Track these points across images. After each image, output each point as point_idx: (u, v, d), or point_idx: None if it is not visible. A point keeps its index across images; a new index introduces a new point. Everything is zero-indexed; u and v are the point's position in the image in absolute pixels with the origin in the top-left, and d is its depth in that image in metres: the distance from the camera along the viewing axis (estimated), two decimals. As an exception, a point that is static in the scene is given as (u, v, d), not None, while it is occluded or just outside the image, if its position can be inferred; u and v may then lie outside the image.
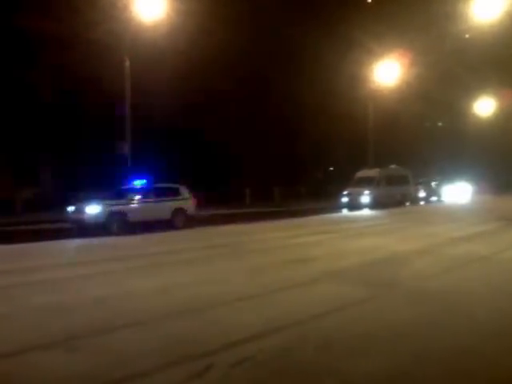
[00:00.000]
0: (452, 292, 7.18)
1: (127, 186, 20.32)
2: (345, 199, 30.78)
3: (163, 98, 29.30)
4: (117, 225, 17.47)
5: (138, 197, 18.72)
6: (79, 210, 17.85)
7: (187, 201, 19.92)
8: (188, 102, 31.31)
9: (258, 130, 36.53)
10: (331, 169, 44.98)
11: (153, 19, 22.05)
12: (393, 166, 33.76)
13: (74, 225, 18.04)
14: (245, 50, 33.14)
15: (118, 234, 16.79)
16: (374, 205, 29.54)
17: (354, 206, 29.63)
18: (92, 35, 26.16)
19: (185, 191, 20.22)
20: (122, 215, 17.78)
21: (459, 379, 4.18)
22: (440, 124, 53.05)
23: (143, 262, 10.52)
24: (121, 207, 18.04)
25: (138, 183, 19.71)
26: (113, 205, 18.00)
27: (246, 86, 34.70)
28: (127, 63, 23.45)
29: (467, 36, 38.50)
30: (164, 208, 19.03)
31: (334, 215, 26.05)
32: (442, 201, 37.95)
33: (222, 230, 18.51)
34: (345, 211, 28.70)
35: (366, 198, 30.38)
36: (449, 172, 42.13)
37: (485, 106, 47.61)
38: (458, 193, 39.54)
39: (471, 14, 31.05)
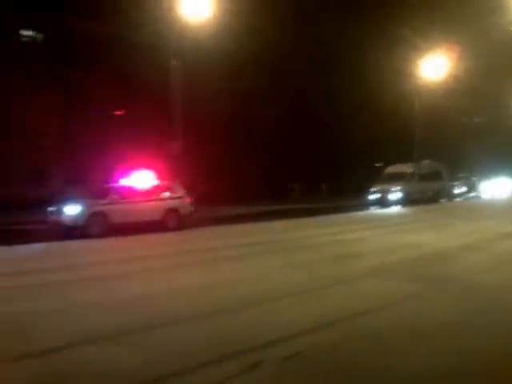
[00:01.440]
0: (503, 288, 7.04)
1: (109, 184, 18.70)
2: (374, 196, 29.70)
3: (211, 97, 29.72)
4: (97, 227, 16.14)
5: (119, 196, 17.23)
6: (59, 211, 16.69)
7: (181, 200, 18.49)
8: (235, 101, 31.72)
9: (304, 127, 36.63)
10: (378, 165, 44.60)
11: (199, 19, 22.39)
12: (426, 161, 32.68)
13: (53, 226, 16.86)
14: (289, 49, 33.24)
15: (98, 237, 15.10)
16: (405, 201, 28.40)
17: (383, 202, 28.62)
18: (138, 36, 26.86)
19: (178, 189, 18.82)
20: (102, 216, 16.43)
21: (507, 381, 4.10)
22: (484, 119, 51.65)
23: (191, 259, 10.51)
24: (102, 207, 16.64)
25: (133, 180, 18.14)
26: (93, 205, 16.76)
27: (291, 85, 34.83)
28: (175, 63, 23.86)
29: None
30: (153, 208, 17.65)
31: (375, 212, 25.83)
32: (481, 196, 36.98)
33: (267, 227, 18.22)
34: (383, 208, 27.81)
35: (396, 194, 29.28)
36: (492, 167, 40.97)
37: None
38: (498, 188, 38.40)
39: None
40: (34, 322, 5.77)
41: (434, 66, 34.61)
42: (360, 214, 24.22)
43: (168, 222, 17.76)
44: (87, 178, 20.84)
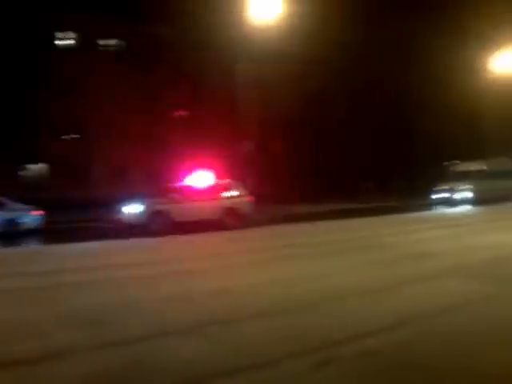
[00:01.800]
0: None
1: (171, 183, 19.33)
2: (440, 195, 28.70)
3: (279, 98, 29.95)
4: (158, 225, 16.83)
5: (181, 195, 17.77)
6: (122, 210, 17.55)
7: (240, 199, 18.75)
8: (303, 101, 31.82)
9: (375, 125, 36.29)
10: (446, 163, 43.45)
11: (267, 21, 22.61)
12: (499, 159, 30.90)
13: (117, 225, 17.68)
14: (359, 48, 33.01)
15: (158, 235, 15.55)
16: (475, 201, 27.24)
17: (451, 202, 27.60)
18: (207, 39, 27.41)
19: (239, 188, 19.08)
20: (163, 215, 17.10)
21: None
22: None
23: (264, 256, 10.63)
24: (163, 206, 17.33)
25: (194, 180, 18.67)
26: (155, 204, 17.43)
27: (358, 85, 34.57)
28: (241, 65, 24.22)
29: None
30: (213, 207, 18.01)
31: (446, 211, 25.16)
32: None
33: (339, 225, 17.99)
34: (451, 207, 26.80)
35: (465, 193, 28.09)
36: None
37: None
38: None
39: None
40: (115, 314, 6.04)
41: (508, 60, 33.31)
42: (431, 212, 23.75)
43: (227, 220, 18.09)
44: (162, 178, 21.51)
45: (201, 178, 18.83)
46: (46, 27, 31.14)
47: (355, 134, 35.44)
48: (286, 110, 31.37)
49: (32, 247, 16.48)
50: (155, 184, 21.81)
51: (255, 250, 11.85)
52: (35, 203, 19.81)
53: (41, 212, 19.36)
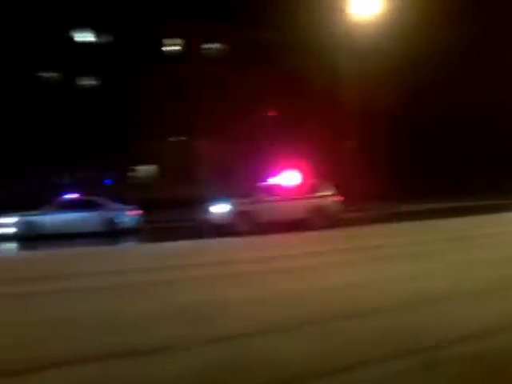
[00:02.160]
0: None
1: (260, 184, 19.09)
2: None
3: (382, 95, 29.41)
4: (243, 225, 16.83)
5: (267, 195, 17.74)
6: (209, 210, 17.61)
7: (328, 198, 18.30)
8: (406, 98, 31.02)
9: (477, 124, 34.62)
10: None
11: (368, 18, 22.26)
12: None
13: (203, 224, 17.78)
14: (460, 44, 31.60)
15: (244, 235, 15.61)
16: None
17: None
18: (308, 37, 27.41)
19: (327, 188, 18.62)
20: (248, 215, 17.08)
21: None
22: None
23: (363, 255, 10.42)
24: (248, 207, 17.35)
25: (281, 179, 18.52)
26: (240, 204, 17.47)
27: (459, 83, 33.11)
28: (342, 63, 23.99)
29: None
30: (299, 207, 17.74)
31: None
32: None
33: (441, 224, 16.95)
34: None
35: None
36: None
37: None
38: None
39: None
40: (217, 311, 6.18)
41: None
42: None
43: (314, 220, 17.71)
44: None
45: (288, 178, 18.68)
46: (150, 33, 32.53)
47: (457, 131, 33.90)
48: (388, 108, 30.68)
49: (133, 245, 17.22)
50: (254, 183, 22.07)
51: (351, 250, 11.62)
52: (143, 203, 20.51)
53: (139, 212, 19.92)
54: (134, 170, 34.94)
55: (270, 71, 31.90)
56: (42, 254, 13.97)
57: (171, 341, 5.06)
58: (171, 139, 34.88)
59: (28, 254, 14.81)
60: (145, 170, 35.07)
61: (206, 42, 35.72)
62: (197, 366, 4.34)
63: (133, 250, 15.00)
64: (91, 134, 30.15)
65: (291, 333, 5.24)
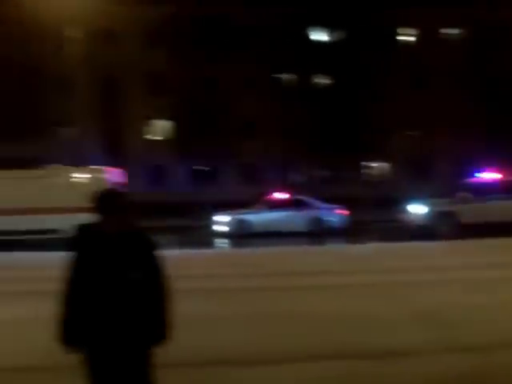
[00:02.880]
0: None
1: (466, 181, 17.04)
2: None
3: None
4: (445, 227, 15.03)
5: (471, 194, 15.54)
6: (407, 210, 16.56)
7: None
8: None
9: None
10: None
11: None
12: None
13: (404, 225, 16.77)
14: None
15: (446, 239, 13.92)
16: None
17: None
18: None
19: None
20: (451, 216, 15.18)
21: None
22: None
23: None
24: (451, 207, 15.45)
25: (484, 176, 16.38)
26: (441, 204, 15.75)
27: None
28: None
29: None
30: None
31: None
32: None
33: None
34: None
35: None
36: None
37: None
38: None
39: None
40: (461, 317, 6.05)
41: None
42: None
43: None
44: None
45: (493, 174, 16.53)
46: (383, 23, 31.03)
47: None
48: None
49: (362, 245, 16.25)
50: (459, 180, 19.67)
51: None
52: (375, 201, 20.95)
53: (345, 211, 19.64)
54: (368, 168, 33.99)
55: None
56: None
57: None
58: (409, 133, 32.92)
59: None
60: (380, 166, 33.90)
61: (444, 28, 32.98)
62: (439, 372, 4.42)
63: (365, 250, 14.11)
64: (326, 132, 30.20)
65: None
